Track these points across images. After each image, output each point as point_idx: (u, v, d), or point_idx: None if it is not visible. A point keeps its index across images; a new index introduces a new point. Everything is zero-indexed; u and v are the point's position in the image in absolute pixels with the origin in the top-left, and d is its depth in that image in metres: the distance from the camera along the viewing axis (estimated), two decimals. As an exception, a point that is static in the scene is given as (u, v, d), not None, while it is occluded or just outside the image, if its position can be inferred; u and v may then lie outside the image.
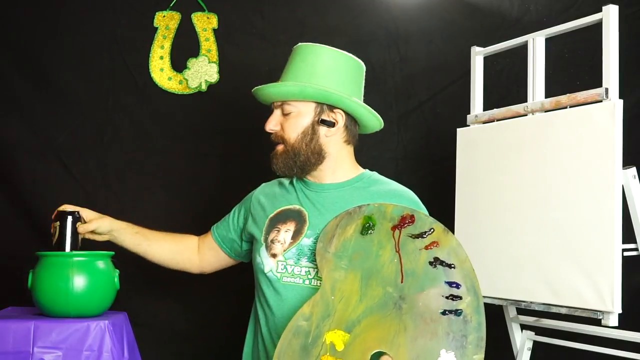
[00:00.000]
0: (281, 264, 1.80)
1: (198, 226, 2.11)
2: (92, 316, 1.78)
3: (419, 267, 1.67)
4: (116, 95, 2.56)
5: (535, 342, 2.36)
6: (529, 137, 2.17)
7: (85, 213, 1.90)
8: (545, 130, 2.12)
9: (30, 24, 2.51)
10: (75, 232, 1.85)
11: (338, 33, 2.60)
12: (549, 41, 2.24)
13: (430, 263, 1.67)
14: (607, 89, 1.96)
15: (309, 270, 1.78)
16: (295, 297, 1.77)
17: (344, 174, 1.88)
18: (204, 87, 2.57)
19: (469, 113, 2.44)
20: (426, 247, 1.69)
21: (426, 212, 1.81)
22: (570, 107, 2.07)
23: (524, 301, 2.16)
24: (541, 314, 2.26)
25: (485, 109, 2.42)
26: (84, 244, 1.90)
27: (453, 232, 2.35)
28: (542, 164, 2.12)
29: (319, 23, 2.64)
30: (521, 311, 2.39)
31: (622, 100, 1.94)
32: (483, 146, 2.33)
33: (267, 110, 1.90)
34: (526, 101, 2.23)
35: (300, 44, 1.88)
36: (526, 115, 2.22)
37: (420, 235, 1.70)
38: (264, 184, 2.00)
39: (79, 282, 1.75)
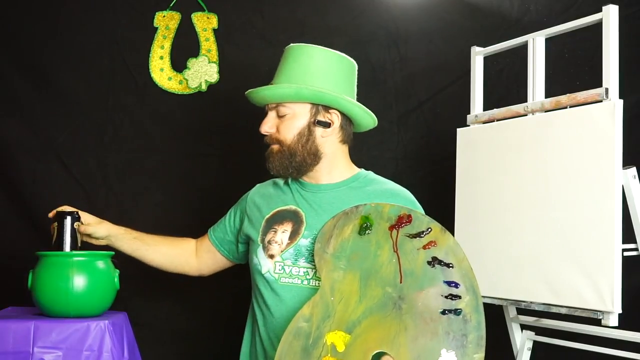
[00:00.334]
0: (279, 264, 1.80)
1: (197, 226, 2.11)
2: (92, 316, 1.78)
3: (418, 266, 1.67)
4: (116, 95, 2.56)
5: (535, 342, 2.36)
6: (529, 137, 2.17)
7: (84, 217, 1.90)
8: (545, 130, 2.12)
9: (30, 24, 2.51)
10: (74, 232, 1.85)
11: (338, 33, 2.60)
12: (549, 41, 2.24)
13: (429, 263, 1.67)
14: (607, 89, 1.96)
15: (307, 271, 1.78)
16: (293, 297, 1.77)
17: (340, 174, 1.88)
18: (204, 87, 2.57)
19: (469, 113, 2.44)
20: (424, 247, 1.69)
21: (422, 212, 1.81)
22: (570, 107, 2.07)
23: (524, 301, 2.16)
24: (541, 314, 2.26)
25: (485, 109, 2.42)
26: (83, 244, 1.90)
27: (453, 232, 2.38)
28: (542, 164, 2.11)
29: (319, 23, 2.63)
30: (521, 311, 2.38)
31: (622, 100, 1.94)
32: (483, 146, 2.33)
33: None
34: (526, 101, 2.23)
35: (291, 44, 1.88)
36: (526, 115, 2.22)
37: (418, 235, 1.70)
38: (258, 185, 2.00)
39: (79, 282, 1.75)
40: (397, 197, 1.84)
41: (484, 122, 2.37)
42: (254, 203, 1.93)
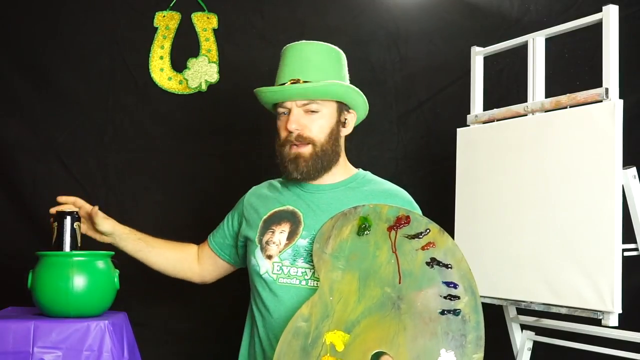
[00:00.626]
0: (277, 265, 1.80)
1: (197, 226, 2.12)
2: (92, 316, 1.77)
3: (416, 267, 1.67)
4: (116, 95, 2.56)
5: (535, 342, 2.36)
6: (529, 137, 2.17)
7: (92, 209, 1.88)
8: (545, 130, 2.12)
9: (30, 24, 2.51)
10: (74, 232, 1.85)
11: (338, 33, 2.60)
12: (549, 41, 2.24)
13: (427, 263, 1.67)
14: (607, 89, 1.96)
15: (305, 271, 1.78)
16: (292, 297, 1.77)
17: (341, 174, 1.88)
18: (204, 87, 2.57)
19: (469, 113, 2.44)
20: (422, 248, 1.69)
21: (420, 212, 1.81)
22: (570, 107, 2.06)
23: (524, 301, 2.16)
24: (541, 314, 2.26)
25: (485, 109, 2.42)
26: (83, 244, 1.90)
27: (453, 232, 2.38)
28: (542, 164, 2.11)
29: (319, 23, 2.64)
30: (521, 311, 2.38)
31: (622, 100, 1.94)
32: (483, 146, 2.33)
33: (267, 110, 1.90)
34: (526, 101, 2.23)
35: (304, 41, 1.83)
36: (526, 115, 2.22)
37: (417, 236, 1.70)
38: (253, 187, 1.98)
39: (79, 282, 1.74)
40: (395, 197, 1.83)
41: (484, 122, 2.37)
42: (250, 205, 1.92)
